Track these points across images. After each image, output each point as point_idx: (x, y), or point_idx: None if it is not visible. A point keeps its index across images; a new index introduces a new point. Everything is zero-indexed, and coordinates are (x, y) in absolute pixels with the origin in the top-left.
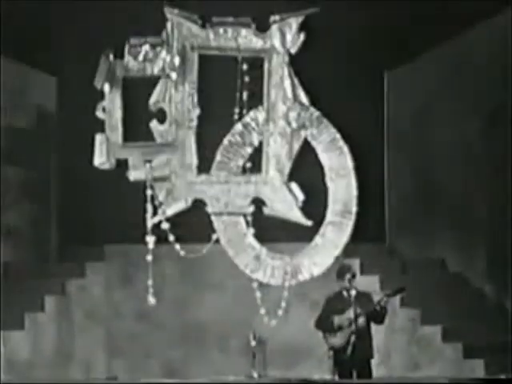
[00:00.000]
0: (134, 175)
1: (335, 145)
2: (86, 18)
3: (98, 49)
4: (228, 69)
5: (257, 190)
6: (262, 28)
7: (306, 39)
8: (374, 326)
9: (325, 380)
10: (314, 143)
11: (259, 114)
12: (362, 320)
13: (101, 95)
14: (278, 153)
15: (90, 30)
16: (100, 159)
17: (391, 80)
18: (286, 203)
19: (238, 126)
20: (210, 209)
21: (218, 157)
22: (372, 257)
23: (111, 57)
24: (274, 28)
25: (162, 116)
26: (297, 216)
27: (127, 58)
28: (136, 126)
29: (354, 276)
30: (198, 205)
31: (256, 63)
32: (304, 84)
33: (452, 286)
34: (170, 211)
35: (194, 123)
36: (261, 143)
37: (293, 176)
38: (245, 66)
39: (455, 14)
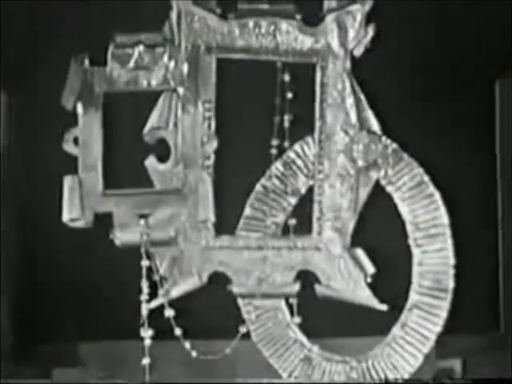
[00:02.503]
0: (121, 238)
1: (422, 191)
2: (50, 5)
3: (68, 50)
4: (262, 80)
5: (305, 260)
6: (313, 20)
7: (377, 36)
8: None
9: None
10: (390, 189)
11: (308, 148)
12: None
13: (72, 119)
14: (337, 204)
15: (57, 22)
16: (70, 214)
17: (505, 93)
18: (349, 278)
19: (277, 166)
20: (235, 288)
21: (248, 210)
22: (480, 354)
23: (86, 62)
24: (330, 19)
25: (163, 150)
26: (365, 297)
27: (111, 65)
28: (124, 165)
29: None
30: (218, 281)
31: (303, 72)
32: (374, 103)
33: None
34: (177, 291)
35: (211, 161)
36: (311, 190)
37: (359, 238)
38: (286, 77)
39: None
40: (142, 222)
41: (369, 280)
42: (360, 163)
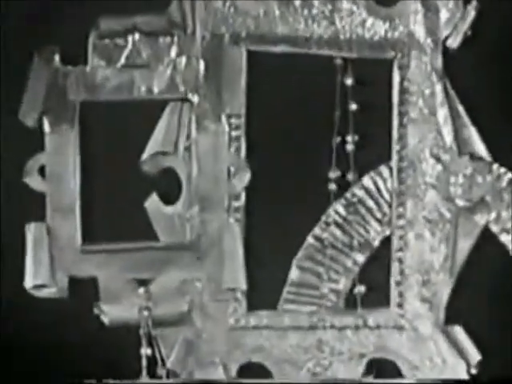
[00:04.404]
0: (110, 314)
1: None
2: None
3: (29, 43)
4: (314, 85)
5: (380, 344)
6: None
7: (479, 21)
8: None
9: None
10: (505, 239)
11: (382, 182)
12: None
13: (38, 141)
14: (427, 262)
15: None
16: (36, 278)
17: None
18: (445, 369)
19: (338, 208)
20: None
21: (295, 273)
22: None
23: (56, 59)
24: None
25: (170, 186)
26: None
27: (93, 63)
28: (113, 208)
29: None
30: (253, 376)
31: (374, 72)
32: (479, 116)
33: None
34: None
35: (242, 202)
36: (387, 243)
37: (458, 312)
38: (349, 80)
39: None
40: (141, 290)
41: (473, 371)
42: (460, 203)
